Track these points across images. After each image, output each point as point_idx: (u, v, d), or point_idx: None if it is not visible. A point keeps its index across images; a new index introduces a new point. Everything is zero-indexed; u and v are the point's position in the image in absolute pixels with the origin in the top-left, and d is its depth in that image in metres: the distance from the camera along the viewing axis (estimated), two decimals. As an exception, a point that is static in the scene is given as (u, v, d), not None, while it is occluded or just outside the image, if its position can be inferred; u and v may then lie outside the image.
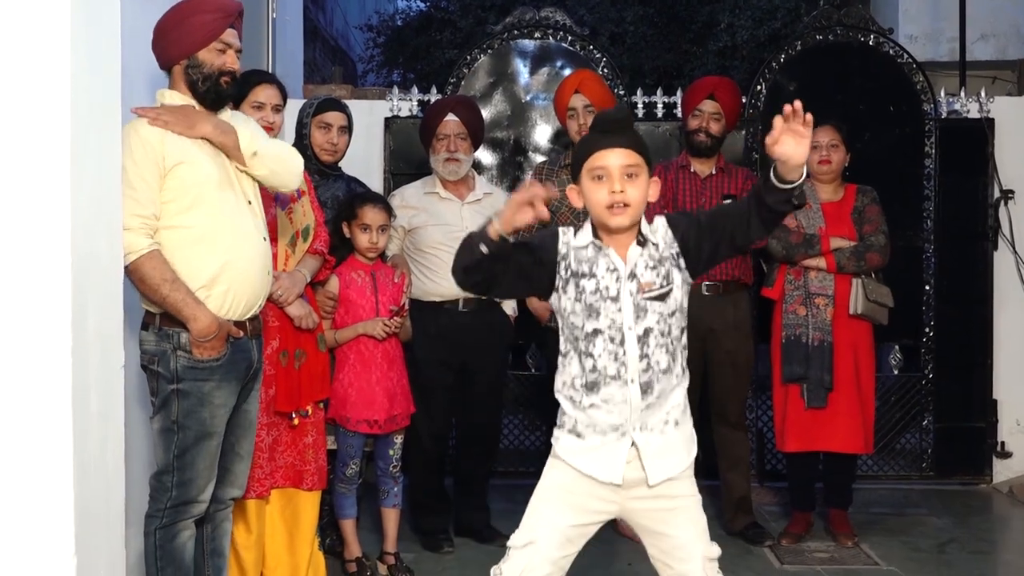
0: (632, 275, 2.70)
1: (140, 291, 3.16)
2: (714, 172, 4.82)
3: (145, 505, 3.26)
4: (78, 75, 2.81)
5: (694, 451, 2.81)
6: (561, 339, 2.80)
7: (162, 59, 3.31)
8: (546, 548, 2.74)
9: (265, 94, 3.91)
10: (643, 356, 2.68)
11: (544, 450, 5.24)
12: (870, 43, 5.84)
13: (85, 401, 2.86)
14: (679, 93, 5.86)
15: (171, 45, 3.26)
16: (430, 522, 4.71)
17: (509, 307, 4.83)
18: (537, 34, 5.91)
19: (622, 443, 2.70)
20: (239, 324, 3.26)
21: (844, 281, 4.69)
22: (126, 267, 3.11)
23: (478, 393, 4.71)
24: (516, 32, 5.90)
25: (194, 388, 3.17)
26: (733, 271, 4.71)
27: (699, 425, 4.69)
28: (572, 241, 2.76)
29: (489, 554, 4.62)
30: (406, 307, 4.33)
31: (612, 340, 2.68)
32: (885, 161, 5.73)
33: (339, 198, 4.39)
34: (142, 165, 3.11)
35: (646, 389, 2.68)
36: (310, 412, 3.89)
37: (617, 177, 2.68)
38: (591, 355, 2.70)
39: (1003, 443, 5.93)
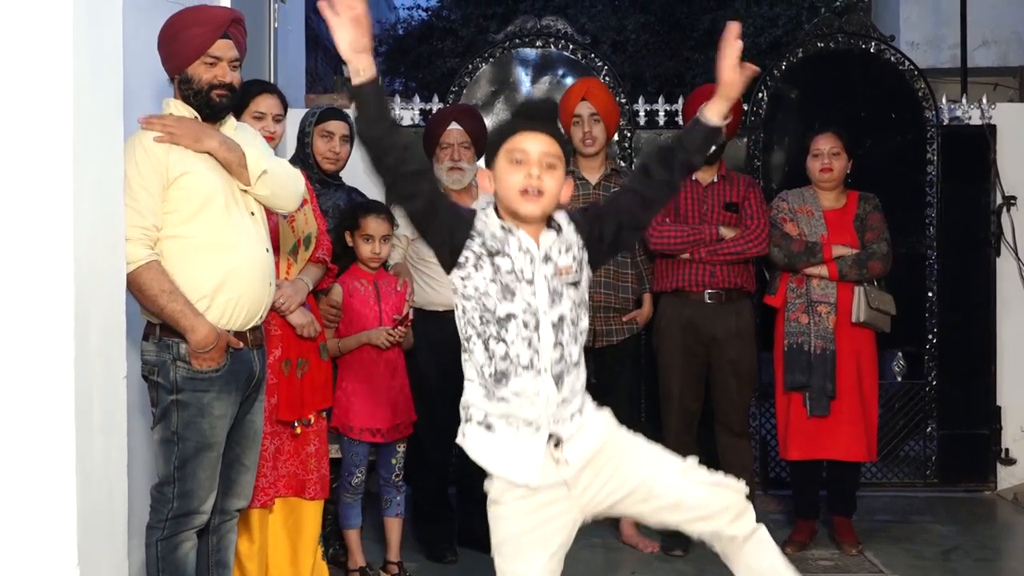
0: (547, 258, 2.59)
1: (139, 301, 3.16)
2: (715, 180, 4.82)
3: (147, 516, 3.25)
4: (80, 86, 2.82)
5: (606, 415, 2.69)
6: (461, 324, 2.65)
7: (165, 70, 3.33)
8: None
9: (266, 104, 3.91)
10: (557, 344, 2.57)
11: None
12: (871, 50, 5.84)
13: (88, 412, 2.86)
14: (681, 101, 5.86)
15: (166, 59, 3.29)
16: (433, 531, 4.71)
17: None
18: (539, 43, 5.91)
19: (537, 437, 2.58)
20: (239, 335, 3.26)
21: (846, 289, 4.68)
22: (125, 277, 3.11)
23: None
24: (518, 41, 5.91)
25: (193, 399, 3.17)
26: (736, 279, 4.71)
27: (702, 433, 4.76)
28: (487, 221, 2.63)
29: (491, 563, 4.61)
30: (410, 316, 4.33)
31: (526, 325, 2.55)
32: (887, 168, 5.73)
33: (340, 207, 4.39)
34: (146, 176, 3.11)
35: (558, 381, 2.57)
36: (312, 421, 3.89)
37: (536, 162, 2.57)
38: (503, 340, 2.56)
39: (1007, 450, 5.92)
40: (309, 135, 4.36)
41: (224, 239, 3.20)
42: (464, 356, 2.66)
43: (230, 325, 3.22)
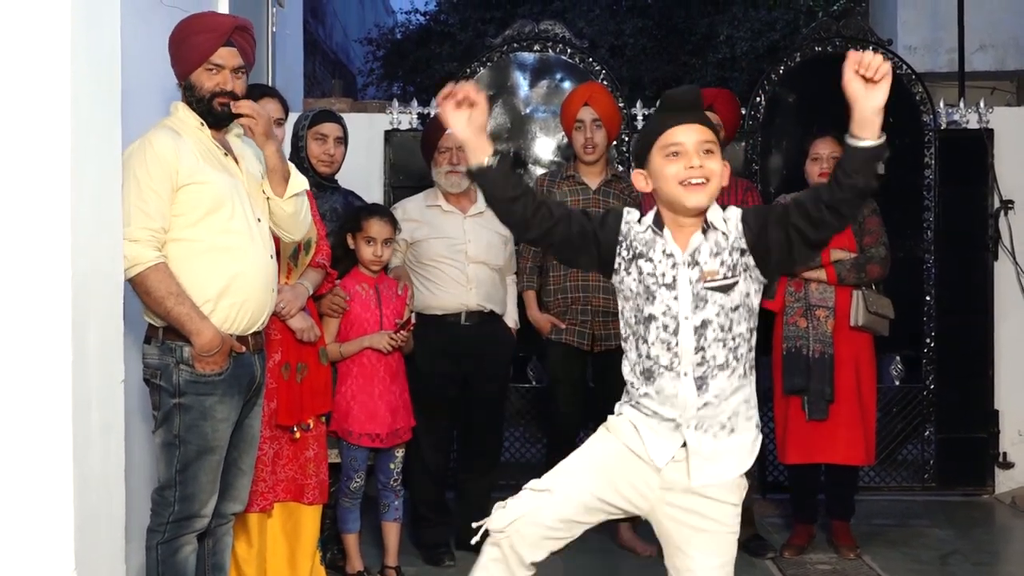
0: (693, 262, 2.58)
1: (144, 303, 3.16)
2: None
3: (146, 519, 3.25)
4: (78, 89, 2.81)
5: (747, 463, 2.66)
6: (621, 323, 2.72)
7: (175, 75, 3.34)
8: (561, 503, 2.63)
9: (267, 108, 3.92)
10: (698, 349, 2.56)
11: (545, 463, 5.24)
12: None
13: (86, 415, 2.86)
14: (679, 105, 5.86)
15: (173, 65, 3.31)
16: (431, 535, 4.70)
17: (511, 319, 4.84)
18: (536, 47, 5.92)
19: (674, 437, 2.59)
20: (241, 339, 3.26)
21: (845, 293, 4.69)
22: (131, 279, 3.11)
23: (480, 406, 4.70)
24: (515, 45, 5.91)
25: (196, 402, 3.17)
26: (733, 283, 4.70)
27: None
28: (634, 222, 2.66)
29: (490, 567, 4.62)
30: (412, 321, 4.33)
31: (666, 328, 2.57)
32: (885, 172, 5.71)
33: (337, 210, 4.39)
34: (155, 178, 3.11)
35: (700, 385, 2.57)
36: (311, 426, 3.89)
37: (695, 151, 2.55)
38: (646, 341, 2.60)
39: (1005, 454, 5.93)
40: (303, 138, 4.36)
41: (230, 243, 3.20)
42: (625, 353, 2.71)
43: (233, 329, 3.22)
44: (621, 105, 5.73)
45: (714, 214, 2.61)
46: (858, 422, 4.69)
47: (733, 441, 2.61)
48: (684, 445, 2.59)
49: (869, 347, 4.77)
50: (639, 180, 2.65)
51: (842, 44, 5.84)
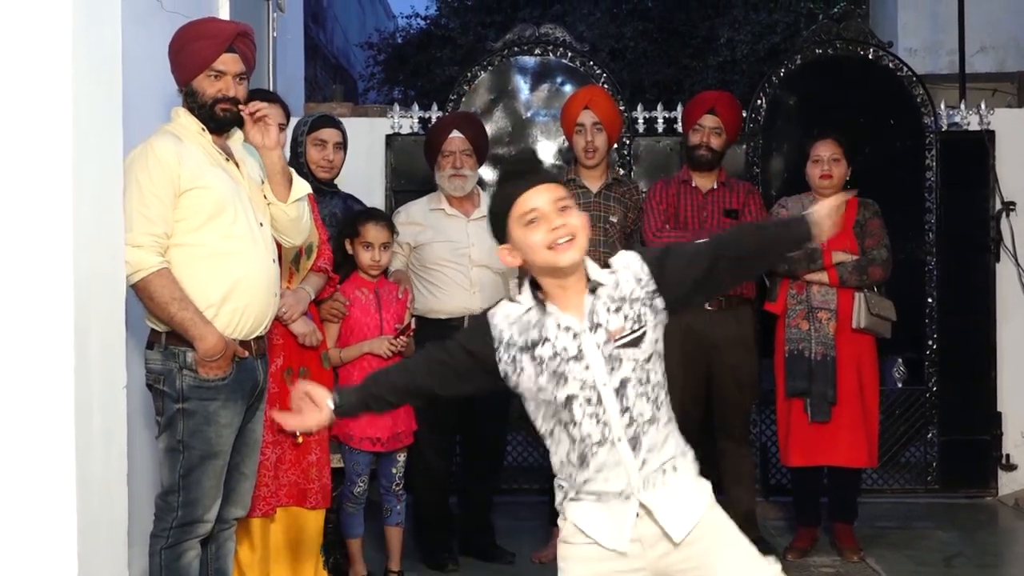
0: (595, 325, 2.44)
1: (148, 309, 3.16)
2: (715, 187, 4.82)
3: (148, 524, 3.25)
4: (79, 94, 2.82)
5: (706, 487, 2.56)
6: (538, 421, 2.56)
7: (175, 81, 3.35)
8: None
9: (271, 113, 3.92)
10: (624, 410, 2.44)
11: (547, 467, 5.24)
12: (869, 56, 5.85)
13: (88, 421, 2.86)
14: (679, 108, 5.86)
15: (174, 71, 3.32)
16: (434, 540, 4.70)
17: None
18: (537, 51, 5.92)
19: (628, 506, 2.47)
20: (244, 344, 3.26)
21: (847, 295, 4.68)
22: (135, 284, 3.11)
23: (483, 410, 4.70)
24: (516, 49, 5.91)
25: (200, 407, 3.17)
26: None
27: (703, 440, 4.75)
28: (508, 316, 2.51)
29: (493, 572, 4.62)
30: (412, 326, 4.32)
31: (589, 401, 2.44)
32: (886, 174, 5.72)
33: (336, 215, 4.39)
34: (158, 183, 3.11)
35: (634, 446, 2.45)
36: (314, 430, 3.88)
37: (551, 212, 2.43)
38: (574, 422, 2.46)
39: (1008, 455, 5.91)
40: (302, 144, 4.36)
41: (232, 248, 3.20)
42: (551, 452, 2.57)
43: (236, 334, 3.22)
44: (622, 108, 5.73)
45: (594, 271, 2.49)
46: (860, 424, 4.68)
47: (680, 479, 2.51)
48: (644, 512, 2.47)
49: (871, 349, 4.76)
50: (504, 255, 2.51)
51: (843, 47, 5.84)
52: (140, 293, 3.12)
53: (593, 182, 4.84)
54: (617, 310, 2.46)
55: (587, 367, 2.43)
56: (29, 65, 2.76)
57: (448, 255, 4.60)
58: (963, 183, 5.86)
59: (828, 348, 4.65)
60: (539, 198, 2.45)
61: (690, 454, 2.57)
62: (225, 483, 3.29)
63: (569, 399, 2.45)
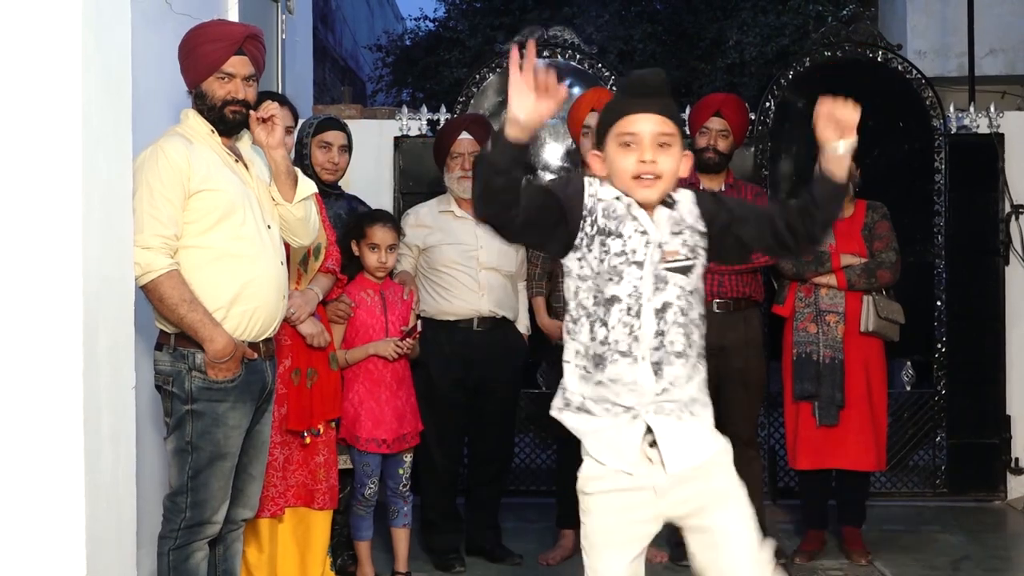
0: (658, 241, 2.45)
1: (158, 311, 3.17)
2: (723, 189, 4.81)
3: (157, 526, 3.26)
4: (89, 97, 2.83)
5: (721, 441, 2.55)
6: (572, 305, 2.52)
7: (185, 83, 3.35)
8: None
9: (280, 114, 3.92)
10: (658, 332, 2.42)
11: (554, 469, 5.23)
12: (879, 59, 5.84)
13: (96, 422, 2.87)
14: (687, 110, 5.86)
15: (183, 73, 3.33)
16: (441, 541, 4.70)
17: (523, 325, 4.84)
18: (546, 52, 5.92)
19: (635, 425, 2.45)
20: (253, 346, 3.27)
21: (855, 298, 4.68)
22: (145, 286, 3.11)
23: (491, 412, 4.70)
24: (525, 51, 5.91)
25: (208, 409, 3.17)
26: (743, 288, 4.70)
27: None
28: (599, 193, 2.48)
29: (500, 573, 4.62)
30: (418, 328, 4.32)
31: (629, 310, 2.42)
32: (895, 177, 5.72)
33: (341, 216, 4.39)
34: (168, 185, 3.12)
35: (657, 371, 2.44)
36: (322, 431, 3.89)
37: (649, 145, 2.42)
38: (605, 324, 2.43)
39: (1017, 459, 5.90)
40: (307, 146, 4.35)
41: (242, 251, 3.21)
42: (566, 336, 2.53)
43: (245, 336, 3.23)
44: (630, 111, 5.73)
45: (676, 195, 2.52)
46: (869, 427, 4.68)
47: (696, 424, 2.50)
48: (651, 441, 2.46)
49: (879, 352, 4.75)
50: (595, 163, 2.52)
51: (851, 49, 5.83)
52: (150, 295, 3.13)
53: (601, 184, 4.84)
54: (678, 234, 2.47)
55: (641, 277, 2.43)
56: (38, 68, 2.77)
57: (457, 257, 4.60)
58: (972, 186, 5.85)
59: (836, 351, 4.64)
60: (643, 124, 2.44)
61: (711, 410, 2.56)
62: (233, 484, 3.29)
63: (613, 299, 2.44)
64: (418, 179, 5.81)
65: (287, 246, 3.48)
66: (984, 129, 5.90)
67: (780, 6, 10.53)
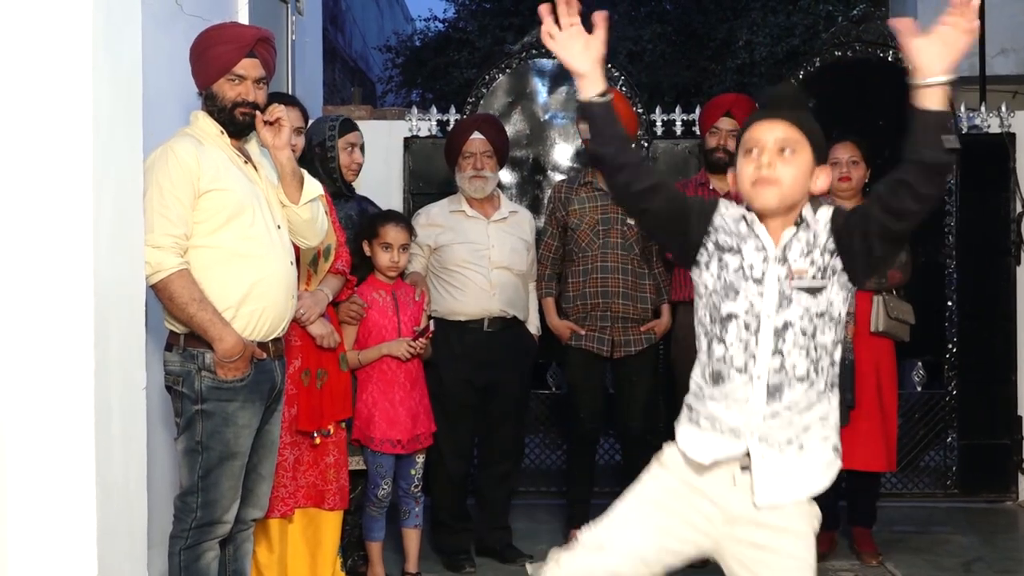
0: (783, 258, 2.40)
1: (168, 310, 3.17)
2: (734, 191, 4.81)
3: (168, 526, 3.27)
4: (99, 98, 2.83)
5: (820, 484, 2.45)
6: (696, 321, 2.52)
7: (196, 84, 3.36)
8: (615, 561, 2.44)
9: (287, 116, 3.92)
10: (776, 352, 2.36)
11: (564, 470, 5.23)
12: (889, 59, 5.83)
13: (107, 422, 2.88)
14: (698, 110, 5.86)
15: (194, 75, 3.34)
16: (452, 542, 4.70)
17: (533, 326, 4.84)
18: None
19: (736, 445, 2.39)
20: (262, 345, 3.27)
21: (865, 298, 4.67)
22: (155, 285, 3.12)
23: (502, 412, 4.70)
24: (534, 51, 5.92)
25: (218, 408, 3.18)
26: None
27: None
28: (726, 213, 2.49)
29: (510, 574, 4.62)
30: (431, 329, 4.32)
31: (747, 327, 2.38)
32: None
33: (352, 218, 4.39)
34: (178, 184, 3.13)
35: (773, 392, 2.36)
36: (332, 432, 3.90)
37: (768, 150, 2.40)
38: (723, 341, 2.40)
39: (1028, 460, 5.89)
40: (333, 148, 4.29)
41: (250, 250, 3.22)
42: (698, 358, 2.53)
43: (254, 336, 3.24)
44: (640, 111, 5.73)
45: (807, 211, 2.44)
46: (879, 428, 4.67)
47: (803, 459, 2.40)
48: (746, 468, 2.39)
49: (890, 353, 4.74)
50: (731, 177, 2.52)
51: (862, 49, 5.82)
52: (160, 294, 3.14)
53: (611, 185, 4.84)
54: (808, 254, 2.41)
55: (761, 294, 2.39)
56: (49, 70, 2.77)
57: (468, 257, 4.60)
58: (983, 186, 5.84)
59: (846, 351, 4.63)
60: (767, 132, 2.42)
61: (833, 442, 2.46)
62: (244, 484, 3.30)
63: (730, 316, 2.41)
64: (428, 180, 5.81)
65: (296, 247, 3.48)
66: (995, 129, 5.88)
67: (790, 6, 10.51)
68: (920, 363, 5.90)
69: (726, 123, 4.80)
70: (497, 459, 4.81)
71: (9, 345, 2.77)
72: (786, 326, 2.37)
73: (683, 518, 2.45)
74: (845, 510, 4.92)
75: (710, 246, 2.46)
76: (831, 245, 2.41)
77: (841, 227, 2.42)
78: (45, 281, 2.77)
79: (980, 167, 5.83)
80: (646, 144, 5.83)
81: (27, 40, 2.77)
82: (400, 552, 4.42)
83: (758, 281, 2.39)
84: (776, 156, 2.40)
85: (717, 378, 2.42)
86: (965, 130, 5.87)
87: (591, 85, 2.44)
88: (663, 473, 2.51)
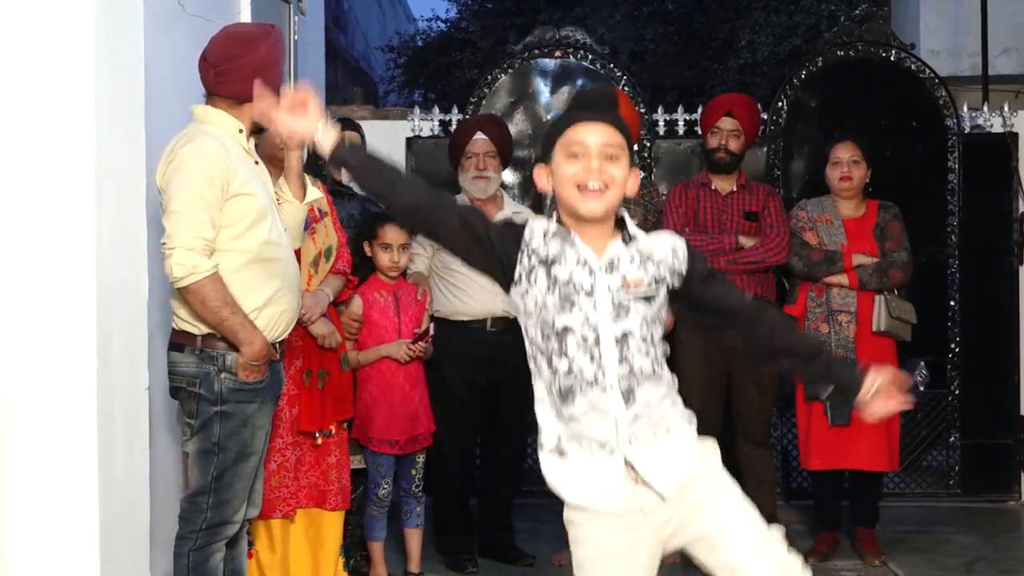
0: (611, 267, 2.36)
1: (197, 312, 3.10)
2: (735, 189, 4.81)
3: (170, 526, 3.26)
4: (102, 100, 2.84)
5: (709, 453, 2.47)
6: (526, 343, 2.47)
7: (214, 83, 3.25)
8: None
9: None
10: (621, 359, 2.35)
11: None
12: (891, 58, 5.82)
13: (110, 422, 2.88)
14: (699, 110, 5.85)
15: (226, 82, 3.21)
16: (454, 542, 4.70)
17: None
18: (557, 53, 5.92)
19: (612, 461, 2.37)
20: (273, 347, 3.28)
21: (866, 298, 4.67)
22: (188, 287, 3.04)
23: (504, 412, 4.70)
24: (536, 51, 5.92)
25: (238, 410, 3.17)
26: (755, 288, 4.69)
27: (723, 444, 4.73)
28: (540, 227, 2.41)
29: (512, 574, 4.62)
30: (431, 331, 4.32)
31: (585, 340, 2.34)
32: (908, 177, 5.70)
33: (354, 217, 4.40)
34: (212, 185, 3.08)
35: (628, 397, 2.35)
36: (333, 432, 3.90)
37: (596, 154, 2.35)
38: (565, 355, 2.35)
39: (1031, 460, 5.88)
40: None
41: (273, 254, 3.23)
42: (533, 376, 2.48)
43: (270, 337, 3.24)
44: (642, 111, 5.73)
45: (632, 226, 2.43)
46: (881, 428, 4.66)
47: (672, 440, 2.42)
48: (630, 470, 2.38)
49: (892, 352, 4.74)
50: (540, 177, 2.45)
51: (864, 48, 5.82)
52: (190, 296, 3.07)
53: (613, 185, 4.84)
54: (640, 263, 2.39)
55: (595, 306, 2.35)
56: (52, 70, 2.78)
57: (471, 257, 4.60)
58: (986, 185, 5.83)
59: (848, 351, 4.63)
60: (591, 134, 2.38)
61: (681, 407, 2.47)
62: (244, 485, 3.31)
63: (566, 330, 2.35)
64: (430, 179, 5.69)
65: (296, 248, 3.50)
66: (998, 128, 5.88)
67: (792, 6, 10.51)
68: (923, 363, 5.89)
69: (727, 123, 4.80)
70: (499, 459, 4.81)
71: (12, 344, 2.78)
72: (625, 336, 2.36)
73: (627, 551, 2.43)
74: (847, 510, 4.92)
75: (526, 260, 2.38)
76: (677, 268, 2.41)
77: (698, 275, 2.43)
78: (48, 280, 2.78)
79: (982, 167, 5.82)
80: (648, 144, 5.83)
81: (30, 40, 2.77)
82: (402, 552, 4.42)
83: (588, 293, 2.35)
84: (604, 161, 2.37)
85: (568, 394, 2.37)
86: (968, 130, 5.87)
87: (325, 139, 2.40)
88: (579, 534, 2.46)
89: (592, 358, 2.35)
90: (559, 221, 2.42)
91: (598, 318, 2.35)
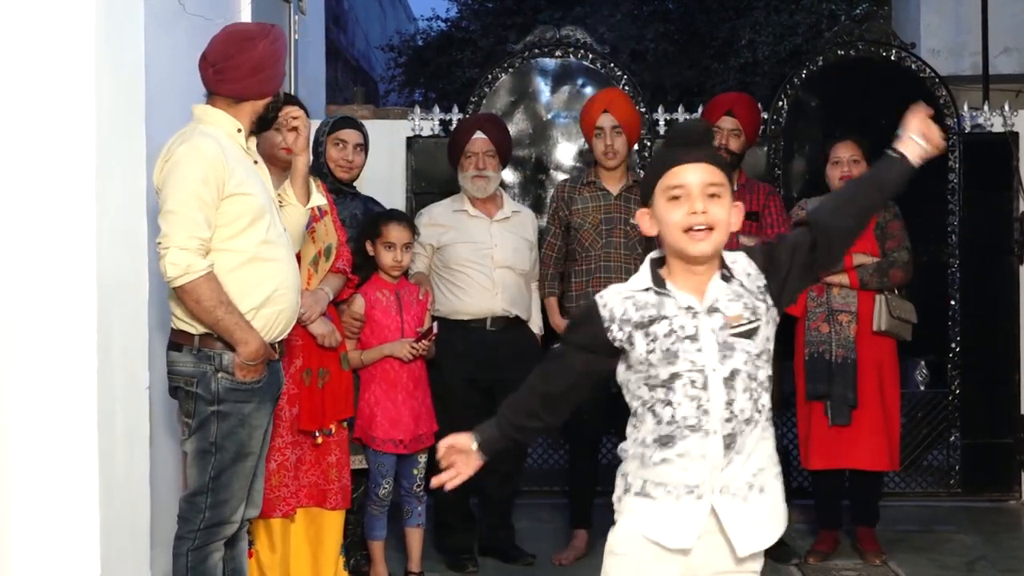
0: (713, 309, 2.36)
1: (193, 312, 3.11)
2: (735, 188, 4.80)
3: (170, 525, 3.26)
4: (103, 99, 2.84)
5: (783, 526, 2.45)
6: (628, 398, 2.46)
7: (215, 83, 3.24)
8: None
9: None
10: (728, 402, 2.33)
11: (567, 469, 5.23)
12: (892, 58, 5.82)
13: (110, 422, 2.88)
14: (700, 109, 5.85)
15: (230, 81, 3.21)
16: (455, 541, 4.70)
17: (536, 325, 4.84)
18: (558, 52, 5.92)
19: (698, 506, 2.34)
20: (272, 346, 3.28)
21: (867, 298, 4.67)
22: (183, 286, 3.05)
23: (503, 411, 4.70)
24: (537, 51, 5.92)
25: (235, 409, 3.17)
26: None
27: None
28: (620, 292, 2.43)
29: (513, 573, 4.62)
30: (434, 330, 4.32)
31: (693, 383, 2.33)
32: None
33: (356, 216, 4.40)
34: (207, 185, 3.08)
35: (729, 443, 2.33)
36: (334, 431, 3.90)
37: (698, 195, 2.33)
38: (669, 403, 2.35)
39: (1031, 459, 5.88)
40: (322, 144, 4.37)
41: (270, 254, 3.23)
42: (630, 428, 2.47)
43: (269, 337, 3.24)
44: (642, 110, 5.72)
45: (729, 259, 2.43)
46: (882, 427, 4.66)
47: (765, 501, 2.39)
48: (713, 519, 2.36)
49: (892, 352, 4.74)
50: (644, 221, 2.44)
51: (865, 48, 5.82)
52: (185, 295, 3.07)
53: (613, 184, 4.84)
54: (737, 298, 2.38)
55: (700, 349, 2.34)
56: (52, 69, 2.78)
57: (471, 256, 4.61)
58: (986, 185, 5.83)
59: (848, 351, 4.63)
60: (692, 175, 2.35)
61: (779, 472, 2.45)
62: (244, 484, 3.31)
63: (673, 376, 2.34)
64: (430, 179, 5.81)
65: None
66: (998, 128, 5.87)
67: (793, 5, 10.51)
68: (923, 362, 5.89)
69: (728, 122, 4.80)
70: (499, 459, 4.78)
71: (12, 344, 2.78)
72: (733, 375, 2.35)
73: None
74: (848, 509, 4.92)
75: (619, 333, 2.40)
76: (759, 282, 2.41)
77: (767, 255, 2.44)
78: (48, 280, 2.78)
79: (983, 166, 5.82)
80: (648, 143, 5.82)
81: (30, 39, 2.77)
82: (403, 552, 4.42)
83: (692, 339, 2.35)
84: (707, 201, 2.35)
85: (667, 441, 2.36)
86: (968, 129, 5.87)
87: (471, 464, 2.76)
88: (620, 564, 2.45)
89: (698, 404, 2.34)
90: (654, 273, 2.42)
91: (704, 360, 2.34)
